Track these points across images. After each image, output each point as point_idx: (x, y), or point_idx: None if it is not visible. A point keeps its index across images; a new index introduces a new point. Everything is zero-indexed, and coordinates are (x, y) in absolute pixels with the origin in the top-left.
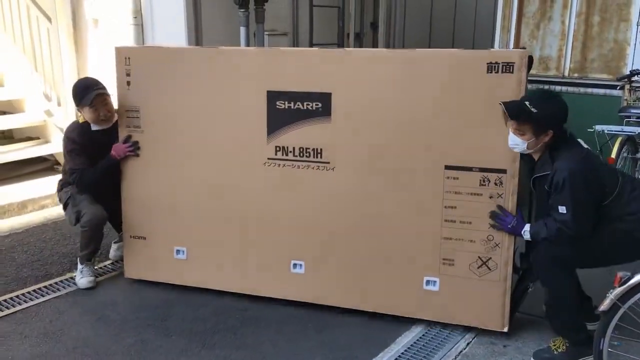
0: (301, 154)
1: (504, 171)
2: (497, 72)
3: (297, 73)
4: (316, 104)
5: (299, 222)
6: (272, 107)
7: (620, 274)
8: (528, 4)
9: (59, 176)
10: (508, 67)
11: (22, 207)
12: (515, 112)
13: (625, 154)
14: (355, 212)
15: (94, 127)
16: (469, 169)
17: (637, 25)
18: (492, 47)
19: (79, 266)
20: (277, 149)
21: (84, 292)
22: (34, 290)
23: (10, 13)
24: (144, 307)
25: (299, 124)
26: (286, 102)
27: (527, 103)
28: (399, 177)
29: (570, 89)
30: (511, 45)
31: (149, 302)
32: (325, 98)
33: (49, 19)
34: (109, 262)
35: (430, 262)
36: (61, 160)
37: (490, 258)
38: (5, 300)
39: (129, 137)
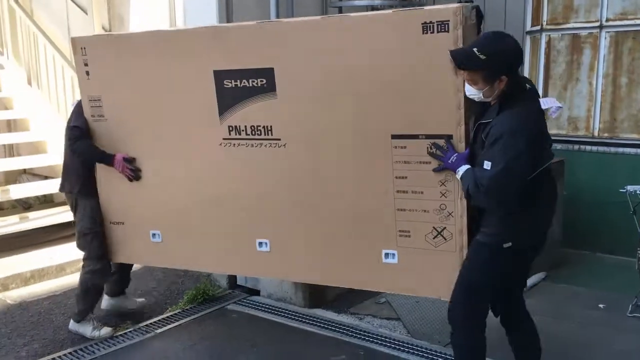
0: (253, 132)
1: (450, 137)
2: (433, 32)
3: (239, 49)
4: (260, 80)
5: (259, 201)
6: (220, 86)
7: None
8: (555, 66)
9: None
10: (443, 26)
11: (60, 269)
12: (462, 60)
13: None
14: (310, 189)
15: None
16: (415, 136)
17: None
18: None
19: (88, 321)
20: (230, 128)
21: (118, 354)
22: (70, 353)
23: (37, 59)
24: None
25: (248, 101)
26: (232, 81)
27: (475, 50)
28: (349, 150)
29: (601, 148)
30: None
31: None
32: (268, 73)
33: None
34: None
35: (387, 234)
36: None
37: (445, 228)
38: None
39: (133, 160)
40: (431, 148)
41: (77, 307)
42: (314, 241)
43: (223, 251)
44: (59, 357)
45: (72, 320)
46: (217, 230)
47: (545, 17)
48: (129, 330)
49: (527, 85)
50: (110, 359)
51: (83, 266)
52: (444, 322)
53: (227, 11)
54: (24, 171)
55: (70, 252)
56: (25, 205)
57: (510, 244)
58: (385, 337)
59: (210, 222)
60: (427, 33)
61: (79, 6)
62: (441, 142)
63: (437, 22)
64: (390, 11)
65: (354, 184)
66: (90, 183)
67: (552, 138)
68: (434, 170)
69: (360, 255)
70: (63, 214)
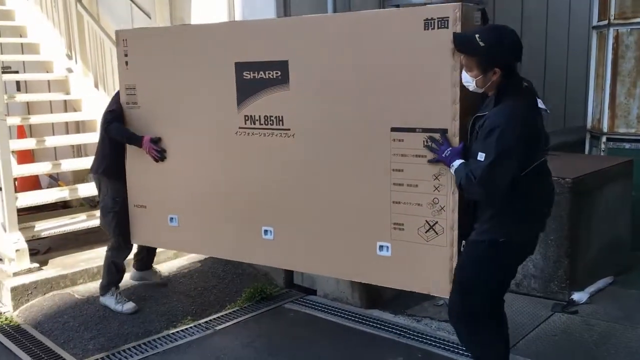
0: (266, 122)
1: (445, 130)
2: (434, 28)
3: (258, 43)
4: (275, 72)
5: (266, 189)
6: (240, 77)
7: None
8: (623, 62)
9: None
10: (443, 22)
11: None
12: (461, 43)
13: None
14: (314, 179)
15: None
16: (413, 129)
17: None
18: (587, 107)
19: (112, 295)
20: (246, 118)
21: (179, 349)
22: (134, 347)
23: (103, 63)
24: None
25: (263, 92)
26: (251, 72)
27: (477, 36)
28: (352, 141)
29: None
30: (606, 104)
31: None
32: (283, 66)
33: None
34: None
35: (382, 227)
36: None
37: (437, 222)
38: (107, 357)
39: (159, 140)
40: (427, 141)
41: (101, 282)
42: (314, 231)
43: (232, 237)
44: (124, 350)
45: (100, 297)
46: (228, 217)
47: (612, 12)
48: (189, 326)
49: (524, 84)
50: (172, 354)
51: (107, 247)
52: None
53: (285, 13)
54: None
55: (133, 249)
56: (92, 203)
57: (503, 239)
58: (444, 340)
59: (222, 208)
60: (428, 29)
61: (142, 11)
62: (437, 136)
63: (437, 18)
64: (394, 9)
65: (355, 175)
66: (116, 166)
67: (620, 137)
68: (429, 161)
69: (356, 247)
70: None
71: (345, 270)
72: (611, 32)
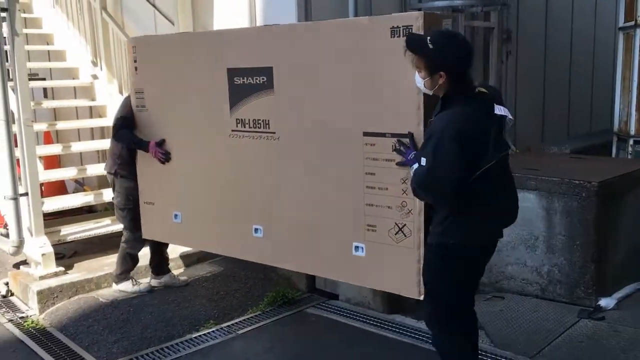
0: (255, 126)
1: (411, 135)
2: (399, 36)
3: (247, 50)
4: (262, 78)
5: (256, 190)
6: (232, 82)
7: None
8: None
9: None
10: (407, 30)
11: (147, 270)
12: (412, 43)
13: None
14: (297, 180)
15: None
16: (383, 134)
17: None
18: (614, 110)
19: (128, 280)
20: (238, 121)
21: (202, 353)
22: (157, 351)
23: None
24: None
25: (252, 97)
26: (241, 78)
27: (428, 38)
28: (330, 144)
29: None
30: (633, 107)
31: None
32: (268, 72)
33: None
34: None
35: (357, 228)
36: None
37: (405, 225)
38: None
39: (163, 142)
40: (396, 145)
41: (116, 271)
42: (298, 230)
43: (227, 235)
44: (147, 354)
45: (114, 284)
46: (223, 215)
47: (639, 13)
48: (211, 330)
49: (480, 89)
50: (194, 358)
51: (122, 236)
52: (529, 331)
53: (306, 17)
54: None
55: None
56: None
57: (452, 242)
58: None
59: (219, 207)
60: (394, 37)
61: (166, 17)
62: (406, 140)
63: (402, 26)
64: (365, 17)
65: (334, 177)
66: (128, 166)
67: None
68: (397, 164)
69: (335, 246)
70: None
71: (325, 268)
72: (638, 33)
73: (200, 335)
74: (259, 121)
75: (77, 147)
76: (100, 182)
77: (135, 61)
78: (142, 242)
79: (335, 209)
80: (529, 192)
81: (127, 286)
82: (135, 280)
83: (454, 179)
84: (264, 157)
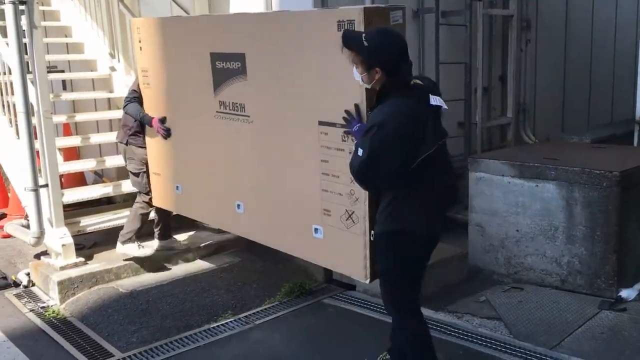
0: (234, 108)
1: (357, 106)
2: (344, 29)
3: (226, 36)
4: (237, 64)
5: (237, 168)
6: (214, 66)
7: None
8: None
9: (201, 233)
10: (350, 25)
11: (167, 260)
12: (348, 40)
13: None
14: (268, 162)
15: None
16: (334, 124)
17: None
18: (635, 98)
19: (132, 242)
20: (220, 103)
21: (220, 343)
22: (176, 341)
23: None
24: None
25: (230, 81)
26: (221, 62)
27: (363, 36)
28: (294, 130)
29: None
30: None
31: None
32: (241, 58)
33: None
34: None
35: (316, 211)
36: None
37: (354, 212)
38: (150, 350)
39: (165, 119)
40: (345, 117)
41: (123, 231)
42: (270, 208)
43: (217, 208)
44: (166, 344)
45: (118, 244)
46: (212, 190)
47: None
48: (229, 320)
49: (416, 81)
50: (213, 348)
51: (136, 199)
52: (549, 322)
53: (322, 4)
54: None
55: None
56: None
57: (397, 229)
58: (486, 337)
59: (210, 182)
60: (340, 30)
61: (182, 8)
62: (352, 110)
63: (347, 20)
64: (316, 10)
65: (298, 161)
66: (138, 137)
67: None
68: (344, 132)
69: (299, 227)
70: None
71: (291, 247)
72: None
73: (218, 326)
74: (237, 104)
75: (95, 138)
76: (119, 174)
77: (140, 41)
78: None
79: (299, 192)
80: (549, 182)
81: (131, 249)
82: (140, 244)
83: (387, 170)
84: (241, 139)
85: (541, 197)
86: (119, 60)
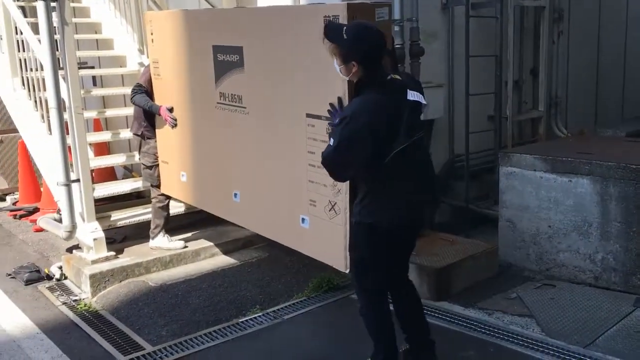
0: (232, 100)
1: (339, 99)
2: (328, 21)
3: (227, 29)
4: (235, 57)
5: (234, 159)
6: (216, 59)
7: None
8: None
9: (228, 228)
10: (336, 19)
11: (195, 254)
12: (329, 31)
13: None
14: (262, 153)
15: None
16: (319, 117)
17: None
18: None
19: (163, 236)
20: (220, 94)
21: (249, 337)
22: (205, 335)
23: None
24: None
25: (229, 73)
26: (222, 55)
27: (344, 29)
28: (285, 123)
29: None
30: None
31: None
32: (239, 51)
33: None
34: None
35: (302, 201)
36: None
37: (336, 203)
38: (180, 343)
39: (172, 109)
40: (330, 109)
41: (151, 227)
42: (262, 198)
43: (217, 197)
44: (195, 337)
45: (150, 241)
46: (212, 179)
47: None
48: (258, 314)
49: (394, 77)
50: (242, 342)
51: (151, 194)
52: (583, 320)
53: None
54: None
55: (203, 238)
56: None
57: (369, 222)
58: (517, 335)
59: (211, 171)
60: None
61: (210, 4)
62: (335, 104)
63: (332, 16)
64: (304, 5)
65: (288, 153)
66: (151, 128)
67: None
68: (329, 124)
69: (288, 216)
70: None
71: (281, 235)
72: None
73: (247, 320)
74: (235, 96)
75: (125, 134)
76: None
77: (151, 33)
78: (169, 196)
79: (288, 183)
80: (583, 177)
81: (162, 241)
82: (169, 237)
83: (353, 161)
84: (238, 129)
85: (574, 193)
86: (147, 56)
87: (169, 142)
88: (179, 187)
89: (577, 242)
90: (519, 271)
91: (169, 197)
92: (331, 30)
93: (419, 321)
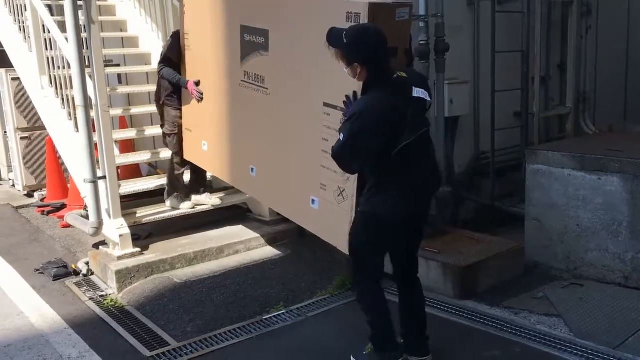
0: (255, 80)
1: (354, 93)
2: (351, 21)
3: (255, 11)
4: (261, 39)
5: (253, 135)
6: (243, 38)
7: None
8: None
9: (252, 225)
10: (357, 17)
11: (219, 251)
12: (331, 36)
13: None
14: (281, 133)
15: None
16: (335, 107)
17: None
18: None
19: (175, 198)
20: (245, 73)
21: (273, 335)
22: (229, 331)
23: None
24: None
25: (255, 54)
26: (248, 35)
27: (344, 33)
28: (303, 107)
29: None
30: None
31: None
32: (265, 34)
33: None
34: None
35: (314, 184)
36: None
37: (345, 189)
38: (205, 340)
39: (199, 82)
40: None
41: (167, 191)
42: (279, 175)
43: (235, 170)
44: (220, 334)
45: (166, 201)
46: (232, 152)
47: None
48: (281, 312)
49: (400, 74)
50: (266, 339)
51: (170, 160)
52: (612, 320)
53: None
54: None
55: (226, 235)
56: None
57: (374, 212)
58: (544, 335)
59: (229, 144)
60: (349, 22)
61: None
62: (350, 97)
63: (354, 13)
64: None
65: (304, 136)
66: (173, 98)
67: None
68: (343, 114)
69: (300, 196)
70: (222, 199)
71: (293, 213)
72: None
73: (270, 317)
74: (258, 76)
75: (150, 131)
76: None
77: (184, 5)
78: (186, 163)
79: (302, 165)
80: (612, 174)
81: (174, 202)
82: (181, 198)
83: (359, 156)
84: (260, 108)
85: (604, 191)
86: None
87: (193, 111)
88: (200, 155)
89: (606, 241)
90: (546, 270)
91: (184, 167)
92: (333, 36)
93: (419, 322)
